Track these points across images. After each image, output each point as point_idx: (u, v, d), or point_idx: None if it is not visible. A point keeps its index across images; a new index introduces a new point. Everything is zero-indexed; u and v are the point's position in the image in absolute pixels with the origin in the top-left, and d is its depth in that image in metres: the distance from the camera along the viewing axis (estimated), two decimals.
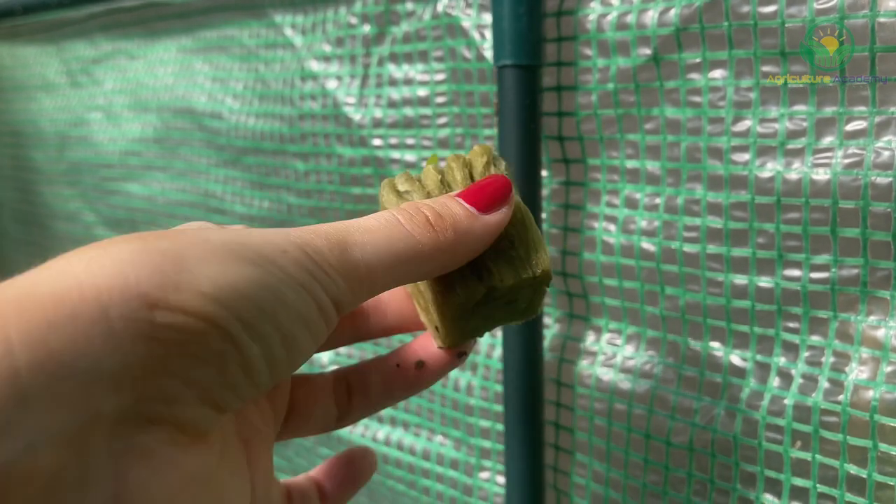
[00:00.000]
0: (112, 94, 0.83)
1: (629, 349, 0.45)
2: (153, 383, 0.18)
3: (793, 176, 0.36)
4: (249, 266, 0.20)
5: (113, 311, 0.17)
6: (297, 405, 0.30)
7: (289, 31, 0.59)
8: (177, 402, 0.18)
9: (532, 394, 0.46)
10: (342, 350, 0.63)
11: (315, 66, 0.58)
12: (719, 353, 0.41)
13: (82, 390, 0.16)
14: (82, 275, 0.17)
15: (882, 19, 0.32)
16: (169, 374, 0.18)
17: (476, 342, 0.30)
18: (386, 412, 0.59)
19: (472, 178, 0.28)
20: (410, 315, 0.32)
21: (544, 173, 0.46)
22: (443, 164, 0.30)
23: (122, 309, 0.17)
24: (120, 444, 0.17)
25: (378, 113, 0.54)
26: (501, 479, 0.53)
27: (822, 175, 0.35)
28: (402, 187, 0.28)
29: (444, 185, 0.28)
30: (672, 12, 0.38)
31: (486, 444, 0.53)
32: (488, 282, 0.26)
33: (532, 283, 0.27)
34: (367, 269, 0.22)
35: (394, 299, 0.32)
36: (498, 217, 0.25)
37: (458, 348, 0.29)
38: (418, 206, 0.24)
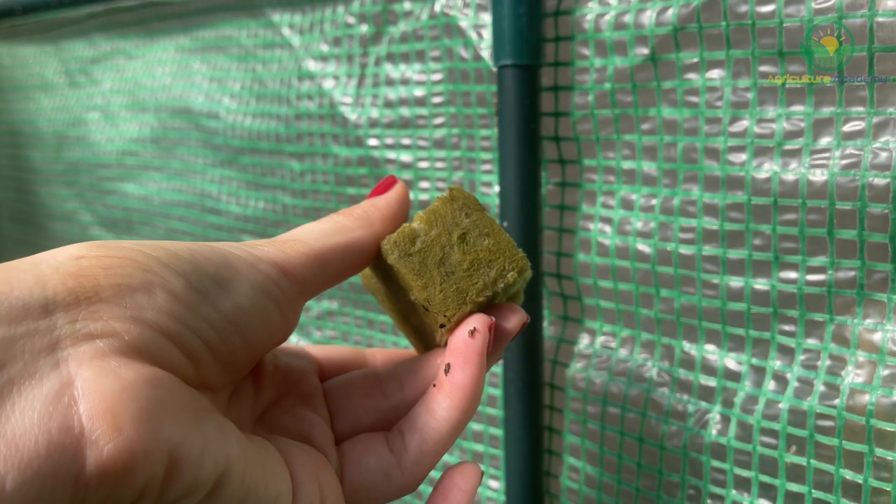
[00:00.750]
0: (110, 94, 0.83)
1: (623, 352, 0.44)
2: (87, 307, 0.19)
3: (790, 177, 0.36)
4: (178, 245, 0.23)
5: (43, 264, 0.20)
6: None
7: (286, 31, 0.59)
8: (115, 320, 0.19)
9: (532, 398, 0.46)
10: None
11: (312, 65, 0.58)
12: (714, 357, 0.41)
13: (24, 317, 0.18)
14: (54, 278, 0.20)
15: (880, 19, 0.32)
16: (102, 300, 0.19)
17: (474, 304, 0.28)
18: None
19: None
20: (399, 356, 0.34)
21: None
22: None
23: (50, 262, 0.20)
24: (64, 352, 0.18)
25: (374, 113, 0.54)
26: (494, 483, 0.52)
27: (819, 176, 0.35)
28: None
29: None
30: (670, 12, 0.38)
31: (479, 447, 0.52)
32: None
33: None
34: (304, 243, 0.26)
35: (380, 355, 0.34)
36: (390, 195, 0.30)
37: (455, 315, 0.28)
38: (349, 211, 0.29)
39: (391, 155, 0.53)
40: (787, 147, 0.36)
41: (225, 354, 0.22)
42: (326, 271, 0.26)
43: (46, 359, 0.18)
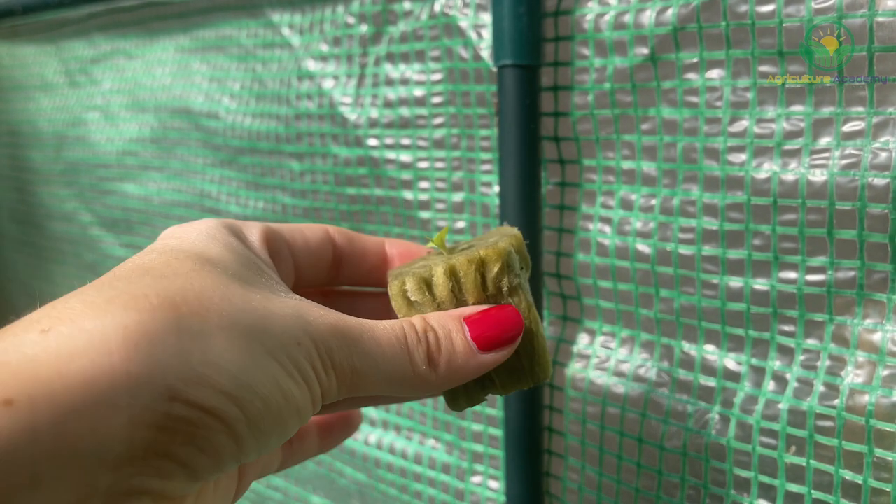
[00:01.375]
0: (110, 94, 0.83)
1: (623, 352, 0.44)
2: (152, 464, 0.19)
3: (789, 177, 0.36)
4: (267, 359, 0.21)
5: (137, 402, 0.18)
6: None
7: (286, 31, 0.59)
8: (169, 479, 0.19)
9: (531, 399, 0.46)
10: None
11: (312, 65, 0.58)
12: (714, 357, 0.41)
13: (87, 472, 0.17)
14: (116, 358, 0.18)
15: (880, 19, 0.32)
16: (169, 458, 0.19)
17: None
18: (378, 415, 0.59)
19: (484, 286, 0.28)
20: (380, 274, 0.34)
21: None
22: (450, 242, 0.31)
23: (145, 399, 0.18)
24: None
25: (374, 113, 0.54)
26: (494, 484, 0.52)
27: (818, 176, 0.35)
28: (413, 297, 0.28)
29: (455, 297, 0.28)
30: (670, 12, 0.38)
31: (479, 447, 0.52)
32: (489, 389, 0.29)
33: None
34: (362, 380, 0.24)
35: (372, 253, 0.33)
36: (496, 357, 0.27)
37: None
38: (426, 331, 0.26)
39: (391, 155, 0.53)
40: (787, 147, 0.36)
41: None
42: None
43: None
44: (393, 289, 0.28)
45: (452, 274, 0.27)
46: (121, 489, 0.18)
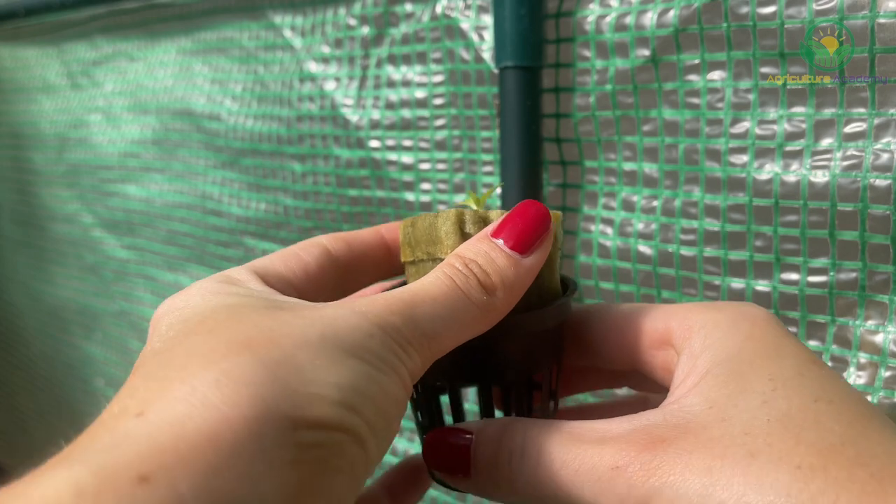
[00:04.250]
0: (112, 96, 0.83)
1: None
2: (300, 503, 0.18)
3: (791, 178, 0.36)
4: (354, 360, 0.20)
5: (267, 441, 0.17)
6: None
7: (288, 33, 0.59)
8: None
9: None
10: None
11: (313, 67, 0.58)
12: None
13: None
14: (223, 406, 0.17)
15: (882, 20, 0.32)
16: (313, 494, 0.18)
17: None
18: None
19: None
20: (387, 265, 0.32)
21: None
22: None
23: (274, 436, 0.17)
24: None
25: (376, 114, 0.54)
26: None
27: (820, 177, 0.35)
28: (468, 229, 0.27)
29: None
30: (671, 13, 0.38)
31: None
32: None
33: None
34: (437, 341, 0.23)
35: (372, 246, 0.32)
36: (541, 255, 0.25)
37: None
38: (467, 264, 0.24)
39: (392, 157, 0.54)
40: (789, 148, 0.36)
41: None
42: None
43: None
44: (448, 218, 0.27)
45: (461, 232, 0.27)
46: None
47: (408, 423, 0.57)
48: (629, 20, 0.39)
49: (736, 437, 0.21)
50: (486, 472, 0.25)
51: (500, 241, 0.25)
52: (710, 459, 0.21)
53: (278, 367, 0.19)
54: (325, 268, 0.29)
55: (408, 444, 0.57)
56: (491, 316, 0.24)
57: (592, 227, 0.44)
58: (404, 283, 0.30)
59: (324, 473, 0.18)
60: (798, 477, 0.20)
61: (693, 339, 0.26)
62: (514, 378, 0.28)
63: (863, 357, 0.35)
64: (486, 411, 0.28)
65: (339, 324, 0.21)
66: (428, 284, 0.24)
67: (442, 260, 0.26)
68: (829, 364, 0.36)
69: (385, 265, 0.32)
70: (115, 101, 0.83)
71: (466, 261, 0.25)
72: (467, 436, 0.26)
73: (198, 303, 0.23)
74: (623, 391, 0.40)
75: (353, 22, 0.54)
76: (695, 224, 0.40)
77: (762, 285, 0.38)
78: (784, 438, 0.21)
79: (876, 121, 0.33)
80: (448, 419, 0.29)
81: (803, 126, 0.35)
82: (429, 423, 0.29)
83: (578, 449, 0.23)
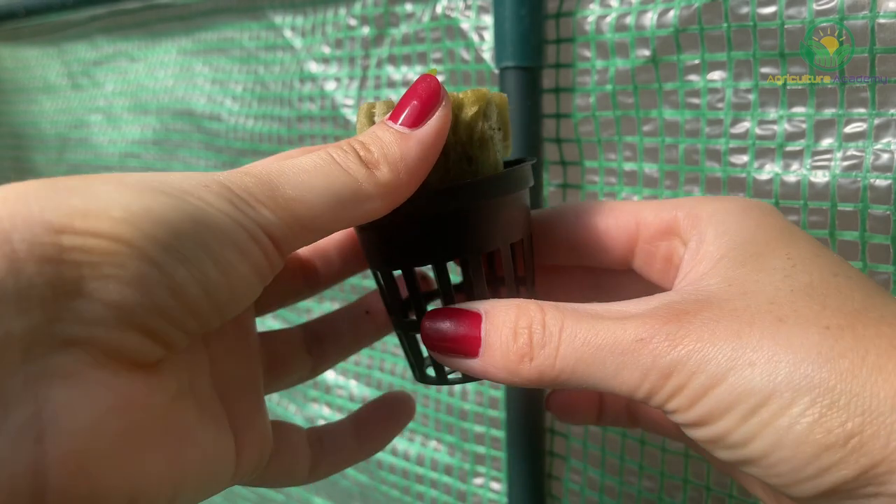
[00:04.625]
0: (112, 97, 0.83)
1: None
2: (66, 304, 0.17)
3: (791, 178, 0.36)
4: (165, 196, 0.19)
5: (15, 236, 0.17)
6: (270, 358, 0.30)
7: (288, 33, 0.59)
8: (97, 324, 0.18)
9: (534, 401, 0.46)
10: None
11: (314, 67, 0.58)
12: None
13: None
14: None
15: (882, 20, 0.32)
16: (84, 296, 0.17)
17: None
18: None
19: (455, 129, 0.26)
20: (356, 255, 0.32)
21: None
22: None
23: (23, 234, 0.17)
24: (36, 365, 0.17)
25: None
26: (496, 486, 0.52)
27: (820, 177, 0.35)
28: (378, 119, 0.26)
29: None
30: (671, 13, 0.38)
31: (481, 449, 0.52)
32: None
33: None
34: (304, 206, 0.22)
35: (335, 243, 0.31)
36: (433, 126, 0.24)
37: None
38: (350, 142, 0.24)
39: None
40: (789, 148, 0.36)
41: (200, 330, 0.21)
42: (317, 238, 0.23)
43: (15, 377, 0.16)
44: (360, 111, 0.26)
45: None
46: (42, 336, 0.17)
47: None
48: (629, 20, 0.39)
49: (762, 305, 0.22)
50: (499, 350, 0.24)
51: (391, 122, 0.24)
52: (738, 325, 0.21)
53: (67, 190, 0.18)
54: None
55: (407, 444, 0.57)
56: (383, 191, 0.23)
57: None
58: None
59: (96, 278, 0.17)
60: (827, 336, 0.20)
61: (702, 227, 0.26)
62: (466, 253, 0.26)
63: None
64: (444, 289, 0.27)
65: (175, 175, 0.20)
66: (302, 158, 0.23)
67: None
68: None
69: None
70: (115, 101, 0.83)
71: (351, 140, 0.24)
72: (475, 314, 0.25)
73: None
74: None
75: (353, 22, 0.54)
76: None
77: None
78: (810, 305, 0.21)
79: (876, 121, 0.33)
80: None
81: (803, 126, 0.35)
82: (404, 306, 0.28)
83: (600, 325, 0.23)
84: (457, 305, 0.25)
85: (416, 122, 0.24)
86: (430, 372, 0.30)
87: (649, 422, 0.34)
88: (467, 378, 0.27)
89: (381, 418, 0.32)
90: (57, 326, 0.17)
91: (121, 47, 0.80)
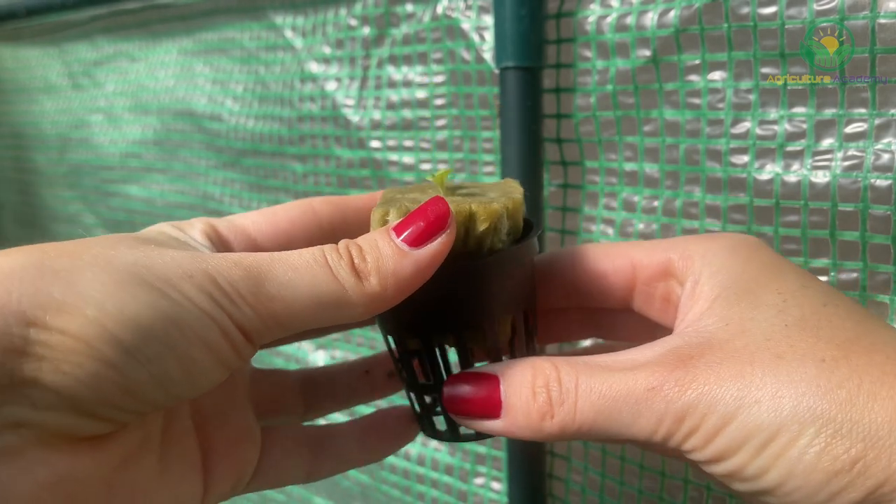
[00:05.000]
0: (113, 97, 0.83)
1: None
2: (20, 391, 0.18)
3: (792, 178, 0.36)
4: (145, 289, 0.20)
5: None
6: (261, 394, 0.30)
7: (289, 34, 0.59)
8: (47, 410, 0.19)
9: None
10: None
11: (315, 67, 0.58)
12: None
13: None
14: None
15: (882, 20, 0.32)
16: (38, 386, 0.18)
17: None
18: None
19: (466, 240, 0.26)
20: None
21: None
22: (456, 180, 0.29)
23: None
24: None
25: (377, 115, 0.54)
26: (497, 485, 0.52)
27: (821, 177, 0.35)
28: (392, 219, 0.26)
29: None
30: (672, 14, 0.38)
31: (482, 449, 0.52)
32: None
33: None
34: (284, 305, 0.22)
35: (363, 218, 0.32)
36: (432, 250, 0.24)
37: None
38: (347, 245, 0.24)
39: (393, 157, 0.54)
40: (789, 148, 0.36)
41: (154, 411, 0.22)
42: (291, 333, 0.24)
43: None
44: (375, 214, 0.27)
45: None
46: None
47: None
48: (630, 20, 0.39)
49: (759, 343, 0.23)
50: (521, 411, 0.25)
51: (394, 234, 0.25)
52: (740, 366, 0.23)
53: (52, 275, 0.19)
54: (300, 220, 0.29)
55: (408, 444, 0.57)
56: (367, 301, 0.24)
57: (593, 228, 0.44)
58: None
59: (53, 372, 0.18)
60: (824, 368, 0.22)
61: (696, 267, 0.27)
62: (481, 324, 0.27)
63: None
64: (464, 362, 0.28)
65: (165, 259, 0.21)
66: (294, 255, 0.23)
67: None
68: None
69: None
70: (116, 101, 0.83)
71: (349, 244, 0.24)
72: (493, 377, 0.26)
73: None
74: (588, 343, 0.41)
75: (354, 22, 0.54)
76: (696, 224, 0.40)
77: None
78: (804, 338, 0.23)
79: (876, 121, 0.33)
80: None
81: (804, 126, 0.35)
82: (433, 381, 0.29)
83: (612, 377, 0.24)
84: (473, 370, 0.27)
85: (417, 242, 0.24)
86: (441, 426, 0.30)
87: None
88: (481, 435, 0.28)
89: (389, 429, 0.32)
90: (7, 409, 0.18)
91: (121, 47, 0.80)
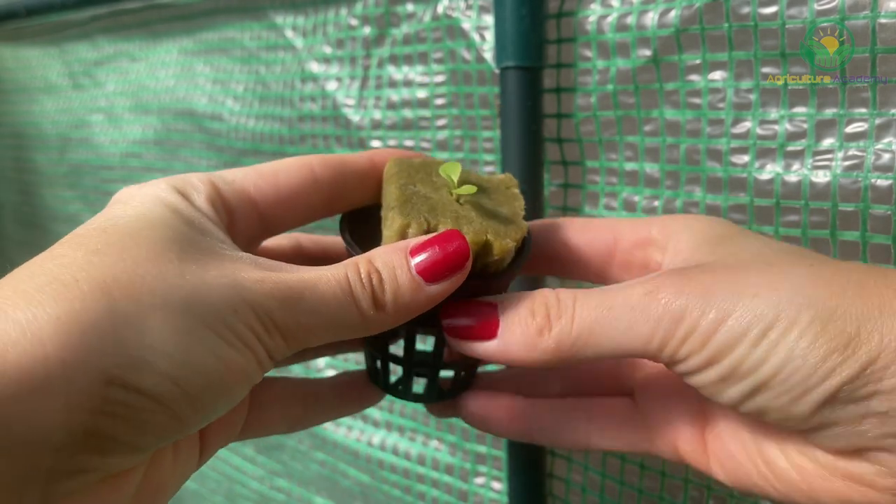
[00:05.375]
0: (113, 96, 0.83)
1: None
2: (92, 444, 0.19)
3: (792, 178, 0.36)
4: (203, 332, 0.21)
5: (74, 388, 0.18)
6: (263, 403, 0.32)
7: (289, 33, 0.59)
8: (112, 455, 0.20)
9: None
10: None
11: (315, 67, 0.58)
12: None
13: (27, 454, 0.18)
14: (50, 345, 0.18)
15: (883, 20, 0.32)
16: (111, 439, 0.20)
17: None
18: (381, 416, 0.59)
19: (473, 260, 0.27)
20: (375, 189, 0.33)
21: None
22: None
23: (81, 385, 0.19)
24: (54, 488, 0.19)
25: (377, 114, 0.54)
26: (497, 485, 0.52)
27: (821, 177, 0.35)
28: (410, 235, 0.28)
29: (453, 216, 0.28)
30: (672, 13, 0.38)
31: (482, 448, 0.52)
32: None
33: None
34: (309, 331, 0.24)
35: (360, 178, 0.33)
36: (445, 287, 0.26)
37: None
38: (370, 274, 0.25)
39: None
40: (790, 148, 0.36)
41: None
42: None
43: (34, 495, 0.19)
44: (394, 223, 0.27)
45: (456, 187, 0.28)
46: (63, 469, 0.19)
47: (404, 421, 0.57)
48: (630, 20, 0.39)
49: (748, 260, 0.25)
50: (518, 327, 0.26)
51: (413, 261, 0.26)
52: (734, 272, 0.24)
53: (124, 324, 0.20)
54: (302, 188, 0.29)
55: (409, 444, 0.57)
56: (373, 326, 0.25)
57: None
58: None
59: (126, 427, 0.20)
60: (813, 269, 0.24)
61: (677, 234, 0.29)
62: None
63: None
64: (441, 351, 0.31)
65: (210, 292, 0.22)
66: (324, 282, 0.24)
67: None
68: None
69: (373, 189, 0.32)
70: (116, 101, 0.83)
71: (371, 270, 0.25)
72: (491, 303, 0.27)
73: (132, 206, 0.25)
74: None
75: (354, 22, 0.54)
76: None
77: None
78: (788, 256, 0.25)
79: (877, 121, 0.33)
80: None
81: (804, 126, 0.35)
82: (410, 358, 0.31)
83: (609, 291, 0.25)
84: (473, 300, 0.28)
85: (433, 277, 0.25)
86: (418, 389, 0.33)
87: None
88: (452, 393, 0.32)
89: (358, 390, 0.34)
90: (80, 459, 0.19)
91: (122, 47, 0.80)
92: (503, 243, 0.27)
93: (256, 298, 0.23)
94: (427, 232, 0.27)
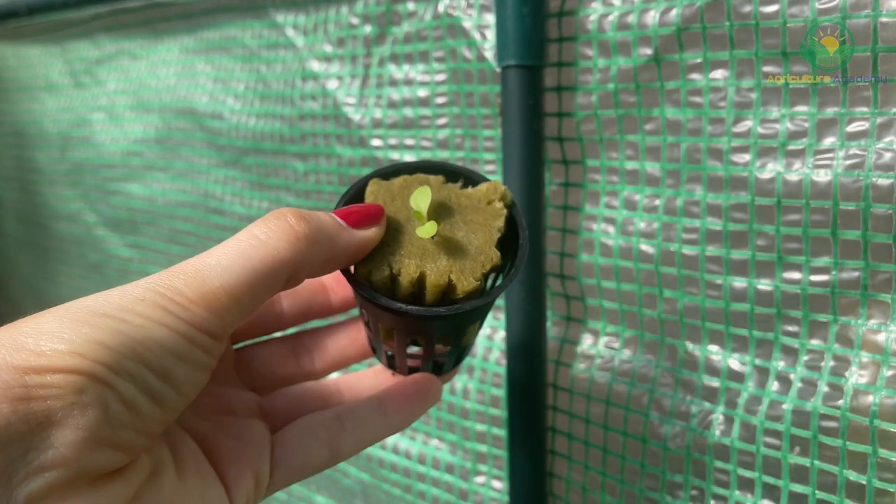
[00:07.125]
0: (115, 95, 0.83)
1: (627, 353, 0.44)
2: (39, 434, 0.19)
3: (793, 177, 0.36)
4: (105, 319, 0.21)
5: None
6: (258, 374, 0.33)
7: (290, 32, 0.59)
8: (67, 447, 0.20)
9: (535, 401, 0.46)
10: None
11: (316, 66, 0.58)
12: (717, 357, 0.41)
13: None
14: None
15: (884, 19, 0.32)
16: (54, 425, 0.20)
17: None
18: None
19: (440, 294, 0.28)
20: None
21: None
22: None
23: (2, 379, 0.19)
24: (18, 491, 0.19)
25: (378, 113, 0.54)
26: (498, 484, 0.52)
27: (822, 176, 0.35)
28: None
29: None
30: (673, 12, 0.38)
31: (483, 447, 0.52)
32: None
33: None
34: (228, 293, 0.23)
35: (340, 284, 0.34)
36: (366, 234, 0.27)
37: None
38: (283, 212, 0.25)
39: (394, 155, 0.54)
40: (791, 147, 0.36)
41: (160, 429, 0.23)
42: (252, 312, 0.25)
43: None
44: (359, 269, 0.28)
45: (419, 279, 0.28)
46: (18, 466, 0.19)
47: None
48: (632, 19, 0.39)
49: None
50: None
51: (332, 213, 0.27)
52: None
53: (21, 334, 0.21)
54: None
55: (409, 443, 0.57)
56: (297, 254, 0.25)
57: (594, 226, 0.44)
58: None
59: (63, 408, 0.20)
60: None
61: None
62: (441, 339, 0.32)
63: (865, 356, 0.35)
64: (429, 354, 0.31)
65: (114, 294, 0.22)
66: (225, 242, 0.25)
67: None
68: (832, 363, 0.36)
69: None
70: (117, 99, 0.83)
71: (285, 211, 0.25)
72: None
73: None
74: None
75: (355, 21, 0.54)
76: (697, 223, 0.40)
77: (764, 284, 0.38)
78: None
79: (878, 120, 0.33)
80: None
81: (805, 125, 0.35)
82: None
83: None
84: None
85: (354, 224, 0.27)
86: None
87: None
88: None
89: (408, 393, 0.32)
90: (31, 455, 0.19)
91: (123, 46, 0.80)
92: (465, 284, 0.27)
93: (161, 282, 0.23)
94: (391, 276, 0.28)
